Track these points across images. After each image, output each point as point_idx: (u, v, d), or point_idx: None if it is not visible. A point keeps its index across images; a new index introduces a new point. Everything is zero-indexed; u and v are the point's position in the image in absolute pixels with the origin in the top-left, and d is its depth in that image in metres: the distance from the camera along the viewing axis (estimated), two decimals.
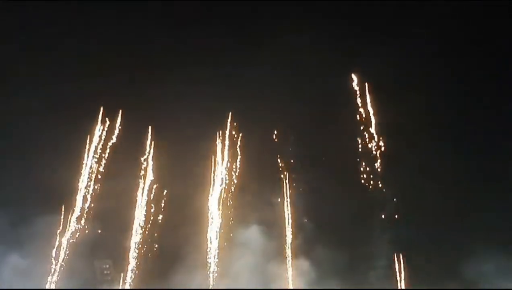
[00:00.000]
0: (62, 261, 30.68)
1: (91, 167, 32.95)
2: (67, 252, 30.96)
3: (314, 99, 33.24)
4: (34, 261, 29.99)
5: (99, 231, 31.63)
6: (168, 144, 33.55)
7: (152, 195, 32.91)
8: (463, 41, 33.66)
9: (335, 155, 32.14)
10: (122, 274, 30.99)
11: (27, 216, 29.99)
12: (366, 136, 33.15)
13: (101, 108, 33.87)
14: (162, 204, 32.71)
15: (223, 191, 32.62)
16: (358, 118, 33.58)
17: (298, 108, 33.39)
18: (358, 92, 34.02)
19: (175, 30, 35.25)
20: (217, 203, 32.28)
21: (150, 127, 34.19)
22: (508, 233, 29.24)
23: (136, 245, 31.64)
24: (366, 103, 33.83)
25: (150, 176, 33.35)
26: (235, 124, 34.30)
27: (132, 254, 31.39)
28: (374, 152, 32.72)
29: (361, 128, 33.41)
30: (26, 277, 29.28)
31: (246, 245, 30.39)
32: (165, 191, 32.89)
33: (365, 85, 34.02)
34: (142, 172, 33.35)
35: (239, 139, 33.95)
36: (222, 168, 33.25)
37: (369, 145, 32.93)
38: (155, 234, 32.06)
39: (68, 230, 31.44)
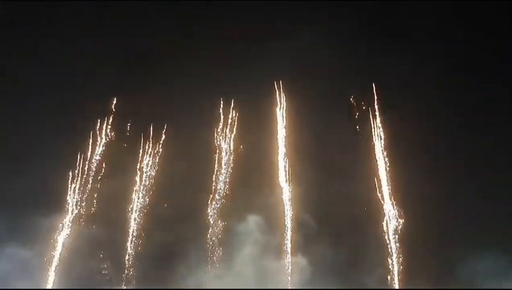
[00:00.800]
0: (61, 261, 30.61)
1: (92, 166, 33.00)
2: (66, 252, 30.94)
3: (315, 98, 33.29)
4: (32, 261, 29.93)
5: (98, 231, 31.56)
6: (166, 140, 33.79)
7: (151, 194, 32.88)
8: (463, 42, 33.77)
9: (336, 153, 32.10)
10: (123, 273, 30.92)
11: (26, 216, 29.90)
12: (367, 136, 33.26)
13: (111, 110, 34.16)
14: (160, 203, 32.66)
15: (222, 189, 32.63)
16: (359, 118, 33.70)
17: (299, 106, 33.59)
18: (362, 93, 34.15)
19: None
20: (217, 201, 32.30)
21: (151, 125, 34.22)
22: (507, 233, 29.17)
23: (135, 245, 31.56)
24: (371, 103, 33.96)
25: (149, 175, 33.32)
26: (236, 121, 34.39)
27: (131, 254, 31.31)
28: (375, 153, 32.74)
29: (363, 128, 33.49)
30: (24, 275, 29.29)
31: (245, 242, 30.34)
32: (165, 189, 32.86)
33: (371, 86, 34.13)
34: (143, 170, 33.33)
35: (240, 147, 33.97)
36: (223, 164, 33.27)
37: (370, 146, 33.00)
38: (154, 234, 31.95)
39: (67, 230, 31.43)
